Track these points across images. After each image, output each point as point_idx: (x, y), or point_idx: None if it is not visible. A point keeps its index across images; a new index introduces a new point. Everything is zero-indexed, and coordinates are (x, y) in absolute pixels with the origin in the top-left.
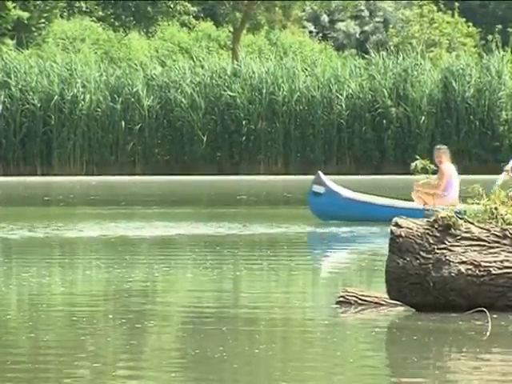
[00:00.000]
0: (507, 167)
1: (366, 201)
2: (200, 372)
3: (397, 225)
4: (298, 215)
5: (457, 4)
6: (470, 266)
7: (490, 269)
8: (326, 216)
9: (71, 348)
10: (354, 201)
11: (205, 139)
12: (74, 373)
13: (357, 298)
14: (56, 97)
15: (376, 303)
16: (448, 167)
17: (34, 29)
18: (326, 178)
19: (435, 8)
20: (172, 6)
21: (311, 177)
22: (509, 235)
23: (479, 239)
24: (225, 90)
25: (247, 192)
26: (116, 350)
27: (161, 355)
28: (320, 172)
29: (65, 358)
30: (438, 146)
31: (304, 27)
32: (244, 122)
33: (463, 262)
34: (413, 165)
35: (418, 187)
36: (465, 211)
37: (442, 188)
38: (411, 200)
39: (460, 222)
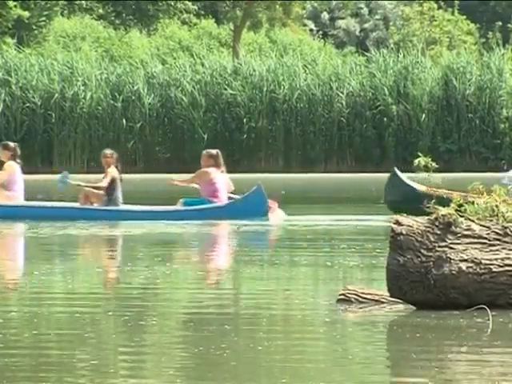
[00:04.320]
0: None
1: None
2: (202, 369)
3: (397, 222)
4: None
5: (457, 2)
6: (471, 264)
7: (491, 266)
8: None
9: (72, 346)
10: None
11: (205, 137)
12: (75, 370)
13: (357, 295)
14: (56, 95)
15: (376, 301)
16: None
17: (34, 27)
18: None
19: (435, 6)
20: (172, 4)
21: (312, 175)
22: (510, 233)
23: (480, 237)
24: (225, 88)
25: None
26: (117, 347)
27: (162, 352)
28: None
29: (65, 355)
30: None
31: (305, 25)
32: (245, 120)
33: (464, 260)
34: (415, 162)
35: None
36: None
37: None
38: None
39: (461, 219)
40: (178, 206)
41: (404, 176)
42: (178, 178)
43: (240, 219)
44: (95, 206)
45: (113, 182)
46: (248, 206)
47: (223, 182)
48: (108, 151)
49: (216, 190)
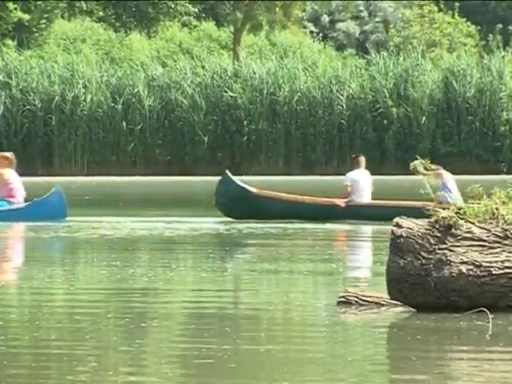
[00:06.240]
0: None
1: None
2: (202, 371)
3: (397, 225)
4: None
5: (457, 4)
6: (471, 267)
7: (491, 269)
8: None
9: (72, 348)
10: None
11: (206, 140)
12: (75, 372)
13: (357, 298)
14: (57, 97)
15: (377, 303)
16: None
17: (34, 29)
18: None
19: (436, 8)
20: (173, 6)
21: (312, 177)
22: (510, 235)
23: (480, 239)
24: (226, 91)
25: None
26: (118, 349)
27: (163, 354)
28: None
29: (65, 356)
30: None
31: (305, 27)
32: (245, 123)
33: (464, 263)
34: (412, 165)
35: None
36: None
37: None
38: None
39: (461, 222)
40: None
41: (235, 178)
42: None
43: (40, 220)
44: None
45: None
46: (48, 208)
47: (20, 183)
48: None
49: (12, 190)
